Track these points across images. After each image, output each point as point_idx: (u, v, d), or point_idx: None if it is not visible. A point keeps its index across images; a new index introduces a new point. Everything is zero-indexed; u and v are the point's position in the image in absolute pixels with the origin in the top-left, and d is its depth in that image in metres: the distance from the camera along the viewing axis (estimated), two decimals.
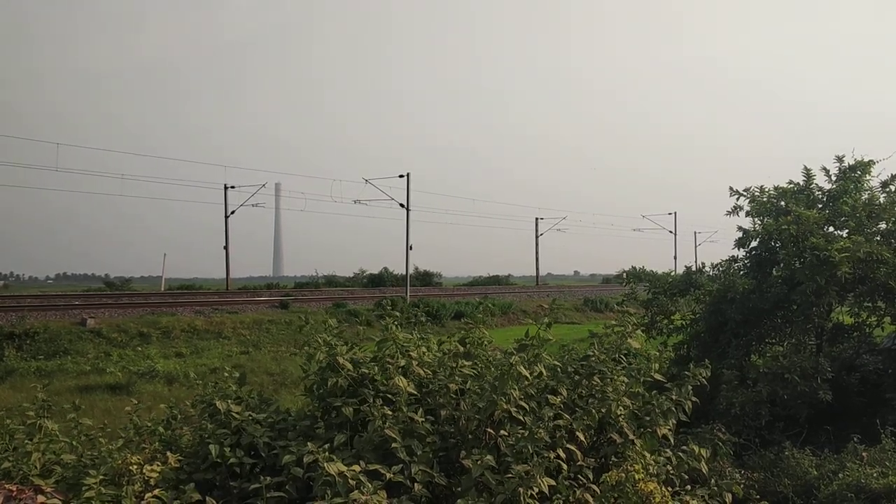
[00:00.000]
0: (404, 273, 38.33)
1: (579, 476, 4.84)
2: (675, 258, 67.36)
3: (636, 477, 4.48)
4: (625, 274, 14.35)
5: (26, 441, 4.90)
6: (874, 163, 12.10)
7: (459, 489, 4.59)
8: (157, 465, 4.56)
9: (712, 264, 12.93)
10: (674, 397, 5.59)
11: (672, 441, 5.60)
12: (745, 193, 12.35)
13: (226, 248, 44.03)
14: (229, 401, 5.26)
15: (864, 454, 8.39)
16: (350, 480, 4.14)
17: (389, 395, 4.98)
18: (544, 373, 5.37)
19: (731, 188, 12.46)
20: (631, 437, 5.25)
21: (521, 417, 4.97)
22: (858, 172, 12.05)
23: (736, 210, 12.37)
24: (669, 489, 4.82)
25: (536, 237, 57.93)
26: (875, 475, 7.60)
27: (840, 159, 12.32)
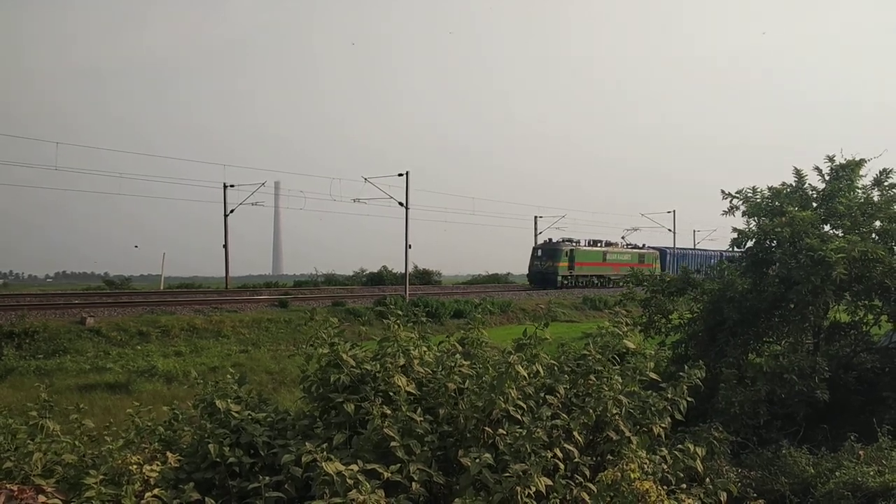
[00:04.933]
0: (403, 272, 38.34)
1: (576, 475, 4.88)
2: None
3: (632, 476, 4.51)
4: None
5: (28, 441, 4.92)
6: (865, 161, 12.16)
7: (457, 488, 4.62)
8: (157, 465, 4.59)
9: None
10: (669, 396, 5.63)
11: (665, 439, 5.65)
12: (737, 195, 12.41)
13: (225, 246, 43.99)
14: (229, 400, 5.29)
15: (860, 452, 8.44)
16: (348, 480, 4.17)
17: (390, 394, 5.02)
18: (542, 372, 5.41)
19: (722, 191, 12.53)
20: (627, 434, 5.29)
21: (519, 416, 5.01)
22: (849, 171, 12.10)
23: (732, 210, 12.42)
24: (665, 488, 4.85)
25: (536, 235, 57.91)
26: (872, 473, 7.64)
27: (831, 158, 12.38)
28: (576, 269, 48.82)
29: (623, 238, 60.68)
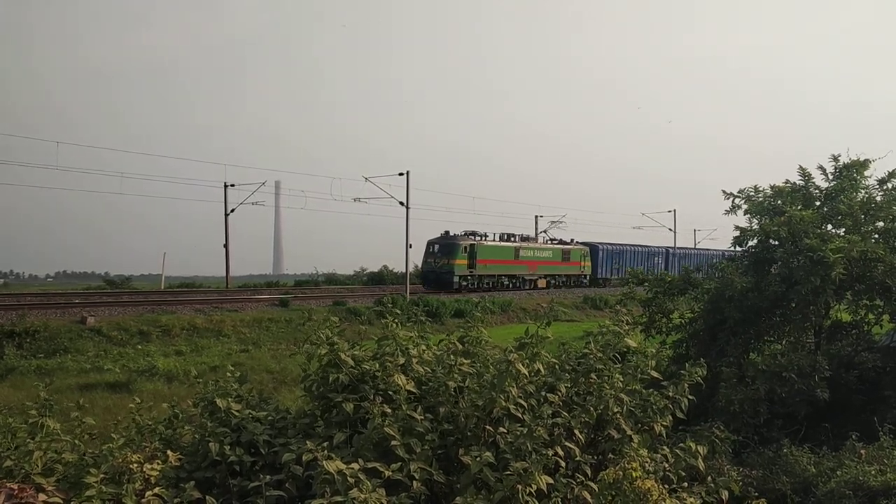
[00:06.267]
0: (404, 271, 38.37)
1: (577, 473, 4.87)
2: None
3: (634, 474, 4.50)
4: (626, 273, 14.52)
5: (28, 440, 4.92)
6: (870, 161, 12.18)
7: (458, 486, 4.62)
8: (158, 464, 4.59)
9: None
10: (670, 394, 5.62)
11: (666, 438, 5.65)
12: (738, 195, 12.43)
13: (226, 246, 44.00)
14: (229, 399, 5.29)
15: (862, 452, 8.45)
16: (349, 479, 4.16)
17: (390, 393, 5.01)
18: (542, 370, 5.40)
19: (723, 191, 12.56)
20: (629, 432, 5.28)
21: (519, 415, 5.00)
22: (854, 171, 12.12)
23: (734, 209, 12.44)
24: (667, 486, 4.85)
25: (536, 234, 57.72)
26: (873, 472, 7.65)
27: (836, 158, 12.40)
28: (478, 268, 41.36)
29: (545, 232, 52.92)
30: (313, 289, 43.27)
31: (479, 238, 42.66)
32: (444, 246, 40.69)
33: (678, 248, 61.83)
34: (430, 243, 41.72)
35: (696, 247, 65.91)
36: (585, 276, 51.57)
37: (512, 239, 45.71)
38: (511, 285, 44.39)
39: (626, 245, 57.68)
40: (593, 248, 53.43)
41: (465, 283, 40.60)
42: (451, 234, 42.03)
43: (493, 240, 44.10)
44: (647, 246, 59.29)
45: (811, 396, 9.98)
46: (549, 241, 50.64)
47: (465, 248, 40.80)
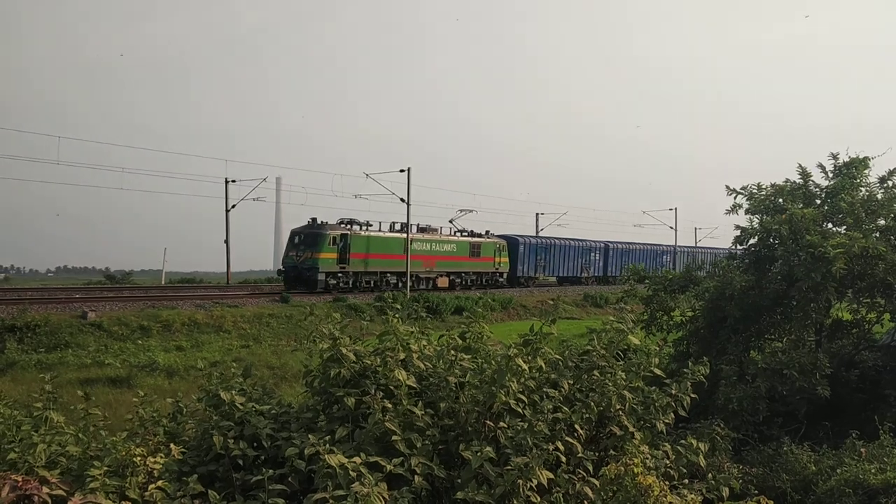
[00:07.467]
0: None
1: (578, 469, 4.89)
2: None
3: (635, 470, 4.52)
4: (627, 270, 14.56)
5: (32, 432, 4.93)
6: (869, 160, 12.18)
7: (459, 481, 4.63)
8: (161, 457, 4.60)
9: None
10: (673, 392, 5.64)
11: (666, 435, 5.67)
12: (742, 192, 12.44)
13: (226, 241, 43.93)
14: (233, 392, 5.30)
15: (862, 450, 8.47)
16: (351, 472, 4.18)
17: (391, 388, 5.02)
18: (543, 366, 5.42)
19: (727, 187, 12.56)
20: (631, 429, 5.30)
21: (520, 410, 5.02)
22: (854, 169, 12.12)
23: (735, 208, 12.45)
24: (668, 483, 4.87)
25: (537, 232, 57.53)
26: (873, 471, 7.67)
27: (835, 156, 12.41)
28: (352, 264, 33.54)
29: (451, 222, 43.58)
30: None
31: (358, 227, 34.56)
32: (308, 236, 32.81)
33: (620, 242, 55.26)
34: (294, 233, 33.97)
35: (643, 242, 59.18)
36: (501, 273, 43.91)
37: (405, 229, 36.42)
38: (401, 284, 35.54)
39: (553, 239, 50.40)
40: (512, 242, 45.59)
41: (333, 282, 33.16)
42: (320, 221, 33.96)
43: (377, 229, 36.10)
44: (581, 240, 52.03)
45: (812, 394, 10.00)
46: (457, 233, 42.26)
47: (334, 238, 32.86)
